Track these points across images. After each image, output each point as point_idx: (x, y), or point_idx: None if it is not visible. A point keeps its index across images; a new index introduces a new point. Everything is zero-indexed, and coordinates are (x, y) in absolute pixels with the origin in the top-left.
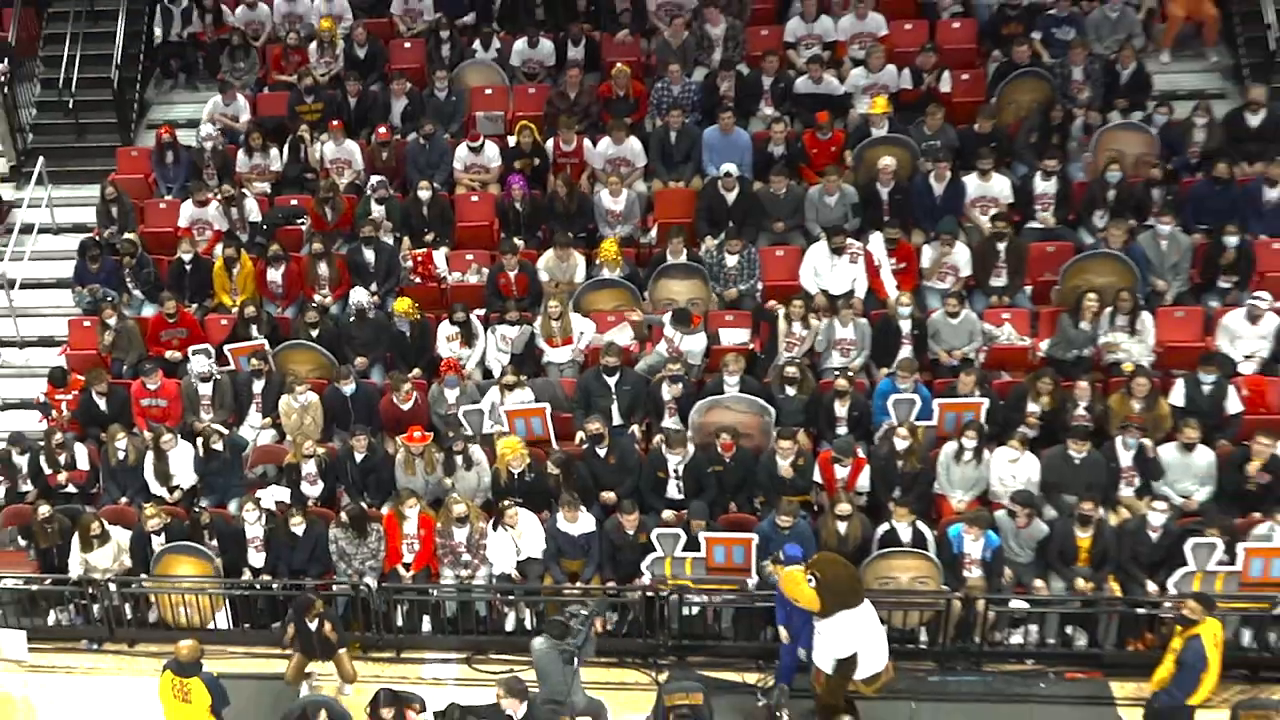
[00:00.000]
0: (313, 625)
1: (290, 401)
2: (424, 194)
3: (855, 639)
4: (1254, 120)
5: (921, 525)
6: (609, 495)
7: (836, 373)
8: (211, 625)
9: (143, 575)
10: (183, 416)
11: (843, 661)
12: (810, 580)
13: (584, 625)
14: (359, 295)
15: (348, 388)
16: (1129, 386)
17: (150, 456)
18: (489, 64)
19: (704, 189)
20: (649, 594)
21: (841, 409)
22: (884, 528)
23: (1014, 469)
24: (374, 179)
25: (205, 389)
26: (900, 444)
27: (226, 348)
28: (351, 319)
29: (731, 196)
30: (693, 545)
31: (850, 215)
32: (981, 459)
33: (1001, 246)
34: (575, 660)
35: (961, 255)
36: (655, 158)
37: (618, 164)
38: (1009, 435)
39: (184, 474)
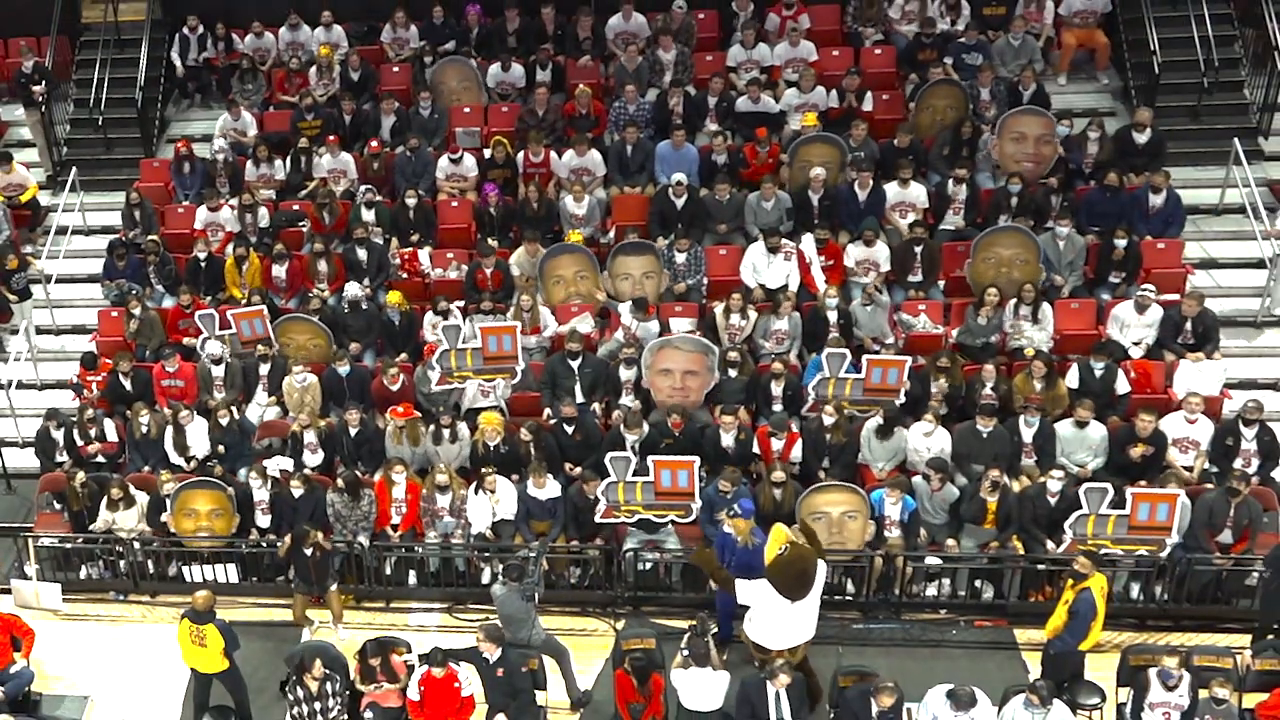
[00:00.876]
0: (308, 552)
1: (292, 382)
2: (410, 200)
3: (763, 608)
4: (1141, 138)
5: None
6: (574, 470)
7: (773, 356)
8: (223, 579)
9: (164, 534)
10: (198, 395)
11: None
12: (783, 549)
13: (535, 565)
14: (353, 289)
15: (343, 369)
16: (1030, 369)
17: (170, 430)
18: (464, 62)
19: (656, 195)
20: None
21: (777, 389)
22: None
23: (928, 441)
24: (364, 188)
25: (218, 371)
26: (828, 420)
27: (229, 312)
28: (347, 310)
29: (680, 202)
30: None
31: (785, 218)
32: (898, 434)
33: (918, 248)
34: (535, 597)
35: (881, 252)
36: (613, 168)
37: (580, 173)
38: (923, 411)
39: (199, 445)
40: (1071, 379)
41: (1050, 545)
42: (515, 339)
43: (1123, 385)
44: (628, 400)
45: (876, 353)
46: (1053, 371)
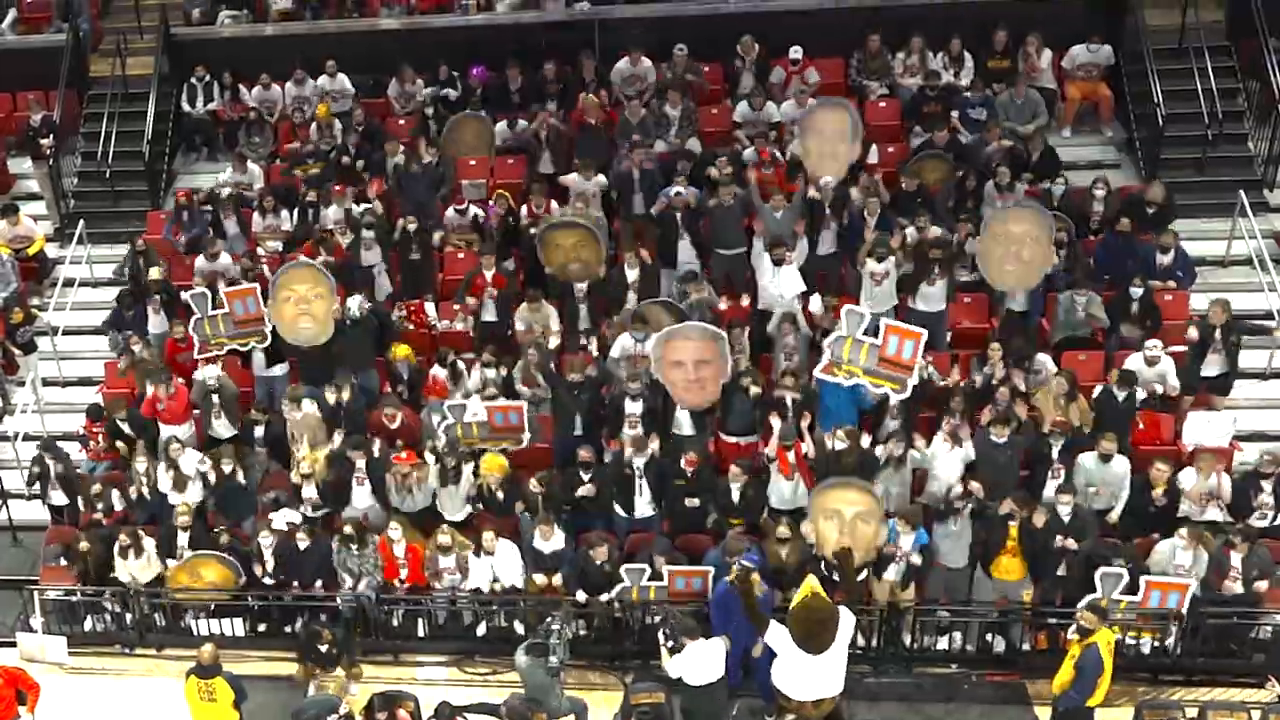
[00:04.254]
0: (322, 648)
1: (293, 415)
2: (415, 257)
3: (785, 654)
4: (1150, 210)
5: None
6: (585, 489)
7: (783, 368)
8: (229, 632)
9: (170, 589)
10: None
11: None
12: (805, 599)
13: (559, 639)
14: (353, 303)
15: (332, 396)
16: (1052, 385)
17: (163, 469)
18: (480, 119)
19: (660, 218)
20: (615, 614)
21: (789, 398)
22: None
23: (950, 457)
24: (363, 205)
25: (215, 399)
26: (839, 445)
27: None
28: (347, 325)
29: (679, 215)
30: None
31: (799, 216)
32: (906, 463)
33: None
34: (559, 673)
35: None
36: (621, 189)
37: (586, 197)
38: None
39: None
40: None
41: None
42: (521, 415)
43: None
44: (633, 432)
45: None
46: (1075, 389)
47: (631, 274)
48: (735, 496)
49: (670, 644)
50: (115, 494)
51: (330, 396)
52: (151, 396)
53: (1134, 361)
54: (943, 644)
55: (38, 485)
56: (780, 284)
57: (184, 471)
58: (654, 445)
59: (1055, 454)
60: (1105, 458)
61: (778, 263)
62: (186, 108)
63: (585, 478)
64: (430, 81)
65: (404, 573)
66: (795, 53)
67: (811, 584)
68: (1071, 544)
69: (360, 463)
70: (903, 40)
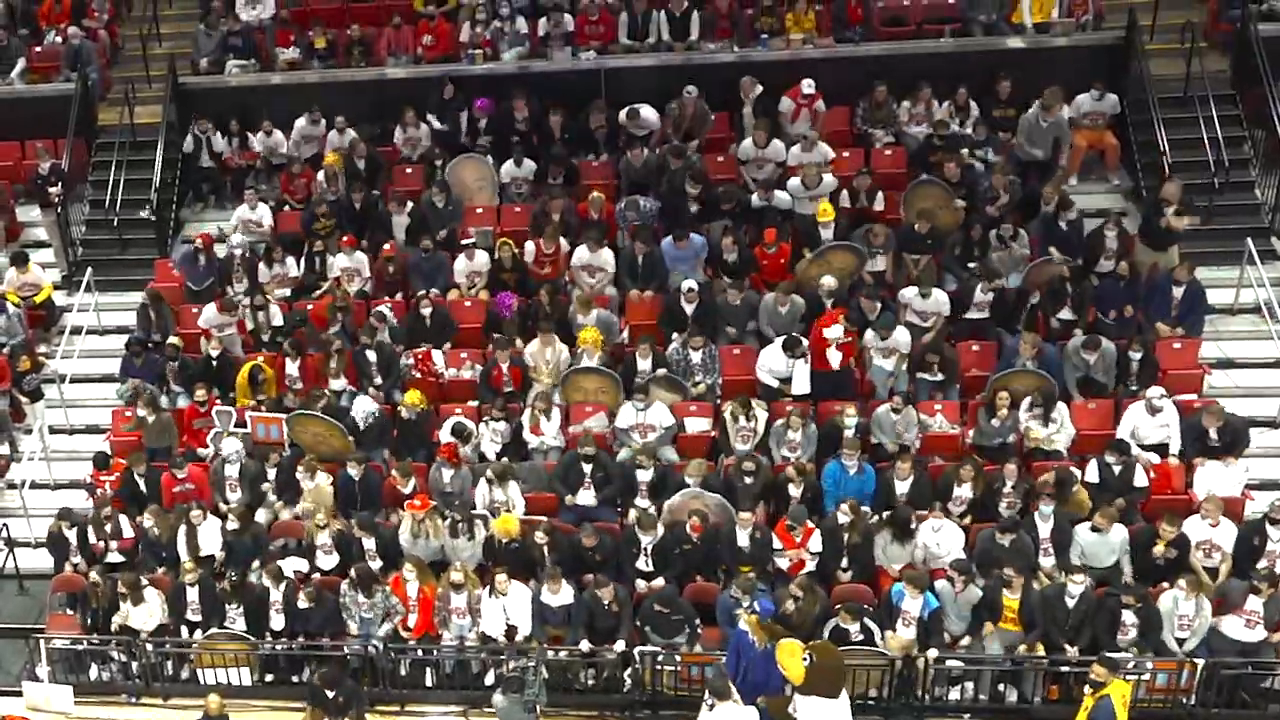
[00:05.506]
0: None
1: (303, 482)
2: (425, 310)
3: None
4: (1170, 210)
5: (869, 622)
6: (589, 578)
7: (790, 457)
8: (237, 681)
9: (179, 638)
10: (211, 497)
11: None
12: (805, 659)
13: (534, 675)
14: (364, 407)
15: (354, 471)
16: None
17: (183, 530)
18: (481, 160)
19: (667, 299)
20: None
21: (795, 490)
22: (832, 623)
23: (938, 537)
24: (378, 309)
25: (231, 470)
26: (843, 519)
27: (248, 413)
28: (361, 427)
29: (691, 308)
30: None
31: (799, 320)
32: (913, 536)
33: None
34: (536, 709)
35: (902, 336)
36: (624, 272)
37: (591, 270)
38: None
39: (211, 546)
40: (1091, 474)
41: (1070, 650)
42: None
43: (1141, 479)
44: (643, 502)
45: (894, 455)
46: (1065, 484)
47: (644, 364)
48: (745, 542)
49: (710, 701)
50: (124, 519)
51: (353, 470)
52: (167, 479)
53: (1137, 414)
54: (954, 694)
55: (57, 554)
56: (796, 375)
57: (199, 542)
58: (661, 529)
59: (1046, 532)
60: (1097, 529)
61: (797, 357)
62: (189, 149)
63: (590, 549)
64: (435, 108)
65: (413, 619)
66: (807, 87)
67: (795, 644)
68: (1075, 653)
69: (369, 543)
70: (907, 90)
